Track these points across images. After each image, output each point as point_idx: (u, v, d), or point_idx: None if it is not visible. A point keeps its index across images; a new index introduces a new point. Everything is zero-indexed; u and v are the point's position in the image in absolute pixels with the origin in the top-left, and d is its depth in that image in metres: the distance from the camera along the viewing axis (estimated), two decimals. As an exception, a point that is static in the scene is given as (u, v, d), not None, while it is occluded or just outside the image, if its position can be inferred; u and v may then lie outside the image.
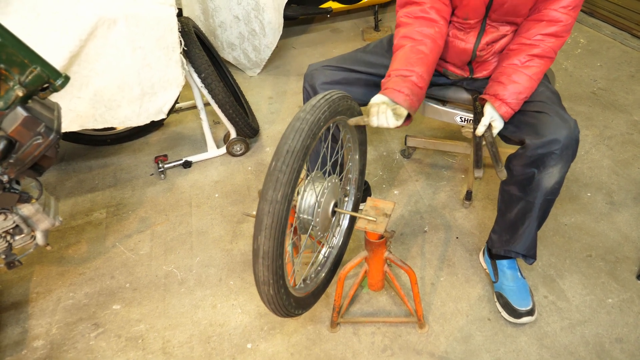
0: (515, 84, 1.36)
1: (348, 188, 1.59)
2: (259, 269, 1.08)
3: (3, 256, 1.44)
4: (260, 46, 2.85)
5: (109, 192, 2.16)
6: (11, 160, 1.22)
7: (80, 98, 1.77)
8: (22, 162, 1.23)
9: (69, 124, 1.80)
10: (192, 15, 2.91)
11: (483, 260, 1.69)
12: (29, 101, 1.23)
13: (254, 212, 1.09)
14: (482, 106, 1.44)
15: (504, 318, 1.52)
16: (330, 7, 3.20)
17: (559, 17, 1.33)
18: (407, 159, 2.23)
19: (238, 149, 2.30)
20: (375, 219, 1.30)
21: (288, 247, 1.33)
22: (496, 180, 2.03)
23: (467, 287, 1.64)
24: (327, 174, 1.36)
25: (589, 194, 1.96)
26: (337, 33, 3.45)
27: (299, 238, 1.48)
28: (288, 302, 1.20)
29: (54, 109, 1.31)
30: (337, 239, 1.56)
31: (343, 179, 1.55)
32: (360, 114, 1.38)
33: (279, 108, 2.66)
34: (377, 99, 1.31)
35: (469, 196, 1.94)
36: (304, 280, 1.41)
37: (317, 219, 1.27)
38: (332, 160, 1.41)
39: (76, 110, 1.79)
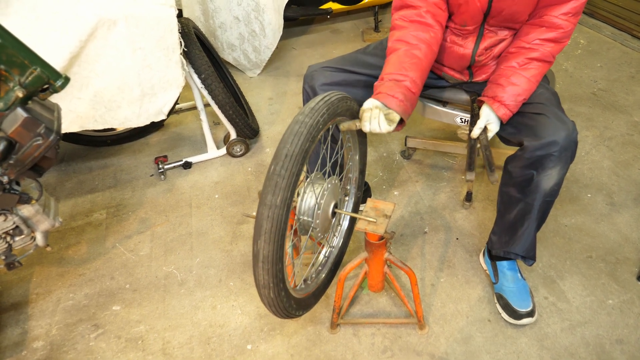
0: (514, 86, 1.35)
1: (348, 187, 1.58)
2: (259, 273, 1.08)
3: (3, 257, 1.44)
4: (260, 47, 2.85)
5: (109, 193, 2.15)
6: (11, 161, 1.22)
7: (81, 99, 1.77)
8: (22, 163, 1.23)
9: (69, 125, 1.80)
10: (192, 16, 2.91)
11: (483, 261, 1.69)
12: (29, 102, 1.23)
13: (254, 213, 1.09)
14: (480, 108, 1.43)
15: (504, 319, 1.52)
16: (330, 8, 3.21)
17: (559, 23, 1.32)
18: (407, 159, 2.23)
19: (238, 149, 2.30)
20: (375, 220, 1.30)
21: (288, 249, 1.33)
22: (496, 181, 2.03)
23: (467, 288, 1.64)
24: (327, 175, 1.36)
25: (589, 195, 1.96)
26: (337, 34, 3.45)
27: (299, 239, 1.48)
28: (289, 304, 1.20)
29: (54, 109, 1.31)
30: (337, 239, 1.56)
31: (343, 179, 1.55)
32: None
33: (279, 109, 2.66)
34: (370, 103, 1.29)
35: (469, 197, 1.94)
36: (305, 280, 1.41)
37: (317, 221, 1.27)
38: (332, 161, 1.40)
39: (76, 111, 1.79)
